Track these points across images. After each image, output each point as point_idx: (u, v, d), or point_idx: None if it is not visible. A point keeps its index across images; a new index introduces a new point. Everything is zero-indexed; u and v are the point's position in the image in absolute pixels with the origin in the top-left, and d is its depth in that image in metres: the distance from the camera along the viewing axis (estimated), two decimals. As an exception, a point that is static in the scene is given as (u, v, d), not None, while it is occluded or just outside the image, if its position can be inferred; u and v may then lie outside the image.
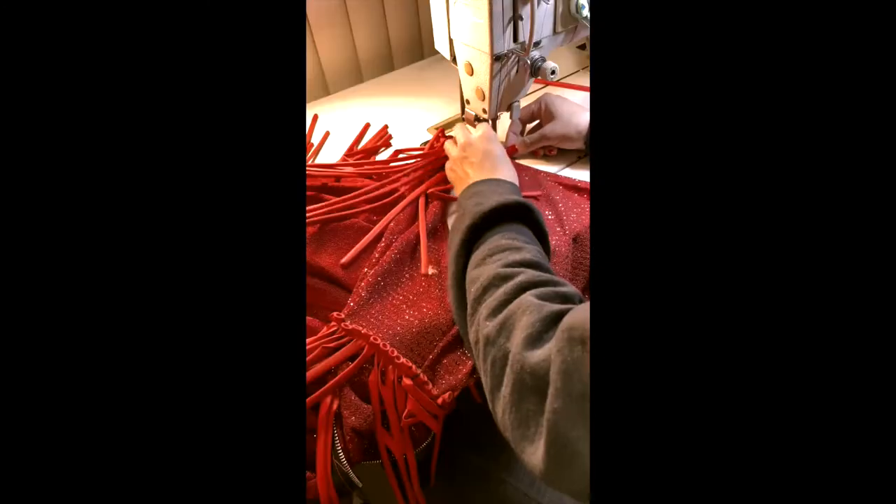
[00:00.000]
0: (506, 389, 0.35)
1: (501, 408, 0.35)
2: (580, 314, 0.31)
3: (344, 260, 0.59)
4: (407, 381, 0.48)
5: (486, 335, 0.39)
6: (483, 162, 0.60)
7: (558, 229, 0.62)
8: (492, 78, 0.63)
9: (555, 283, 0.41)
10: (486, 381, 0.38)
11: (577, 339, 0.30)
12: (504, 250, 0.45)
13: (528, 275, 0.41)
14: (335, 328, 0.53)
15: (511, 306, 0.38)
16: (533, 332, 0.34)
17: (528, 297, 0.38)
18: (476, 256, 0.47)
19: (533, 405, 0.32)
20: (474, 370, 0.51)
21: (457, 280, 0.49)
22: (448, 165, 0.65)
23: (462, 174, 0.61)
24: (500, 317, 0.38)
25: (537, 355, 0.33)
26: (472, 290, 0.44)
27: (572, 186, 0.67)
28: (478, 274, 0.45)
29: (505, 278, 0.41)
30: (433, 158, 0.71)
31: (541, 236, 0.51)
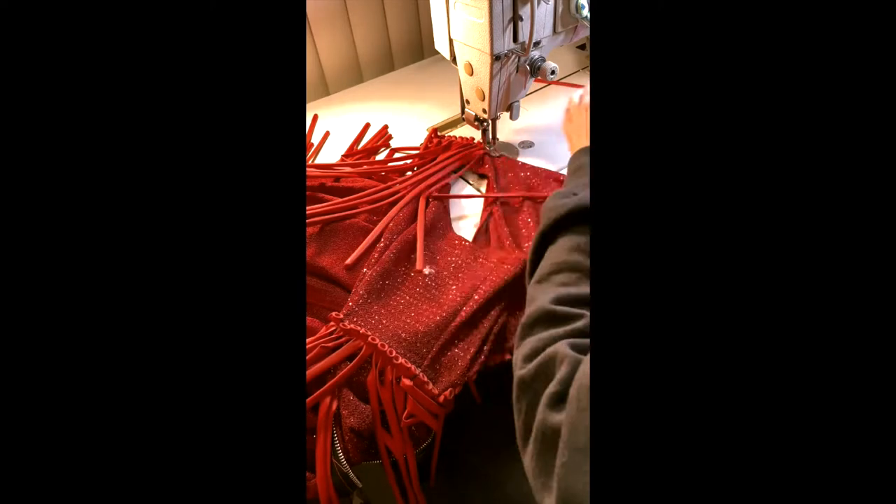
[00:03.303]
0: (533, 438, 0.35)
1: (528, 454, 0.36)
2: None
3: (349, 261, 0.59)
4: (406, 382, 0.48)
5: (521, 377, 0.38)
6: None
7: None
8: (492, 78, 0.63)
9: None
10: (517, 422, 0.38)
11: (585, 398, 0.30)
12: (566, 270, 0.44)
13: (576, 325, 0.39)
14: (334, 328, 0.53)
15: (549, 351, 0.37)
16: (560, 389, 0.34)
17: (566, 348, 0.36)
18: (543, 266, 0.46)
19: (552, 458, 0.33)
20: (472, 364, 0.51)
21: (532, 255, 0.49)
22: (567, 118, 0.63)
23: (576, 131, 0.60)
24: (536, 362, 0.37)
25: (560, 417, 0.33)
26: (526, 312, 0.43)
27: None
28: (534, 295, 0.44)
29: (552, 321, 0.40)
30: (430, 158, 0.71)
31: None
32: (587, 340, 0.37)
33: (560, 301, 0.41)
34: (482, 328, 0.53)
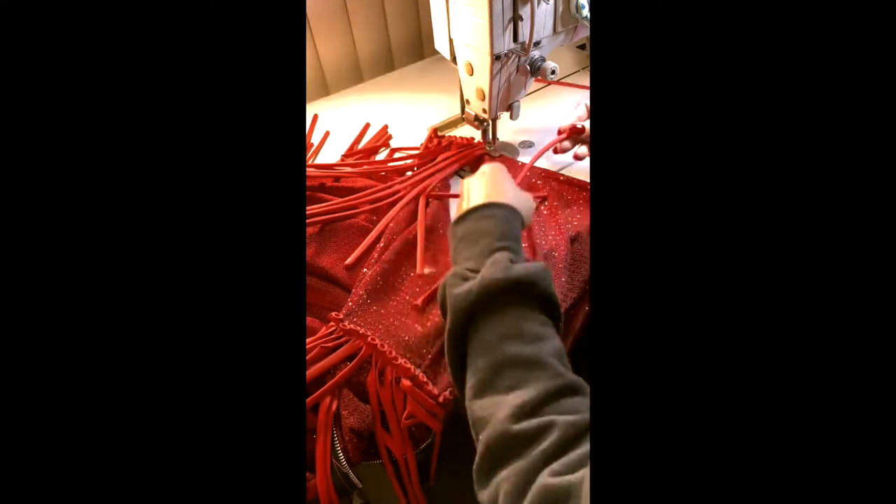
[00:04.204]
0: None
1: None
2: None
3: (349, 261, 0.59)
4: (405, 382, 0.48)
5: None
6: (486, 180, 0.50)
7: (557, 228, 0.62)
8: (492, 78, 0.63)
9: (577, 437, 0.31)
10: None
11: None
12: (507, 369, 0.36)
13: (546, 443, 0.32)
14: (334, 328, 0.53)
15: (529, 498, 0.30)
16: None
17: (549, 481, 0.29)
18: (475, 373, 0.38)
19: None
20: None
21: (454, 364, 0.41)
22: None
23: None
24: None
25: None
26: (480, 440, 0.35)
27: (572, 186, 0.67)
28: (480, 415, 0.36)
29: (518, 447, 0.32)
30: (430, 158, 0.71)
31: (550, 307, 0.41)
32: (573, 454, 0.31)
33: (519, 416, 0.33)
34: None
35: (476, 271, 0.41)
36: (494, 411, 0.34)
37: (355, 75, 1.00)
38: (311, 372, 0.49)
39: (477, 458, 0.35)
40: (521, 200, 0.50)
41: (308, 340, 0.52)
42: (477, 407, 0.36)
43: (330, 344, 0.51)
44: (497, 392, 0.36)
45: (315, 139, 0.80)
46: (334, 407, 0.49)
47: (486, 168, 0.52)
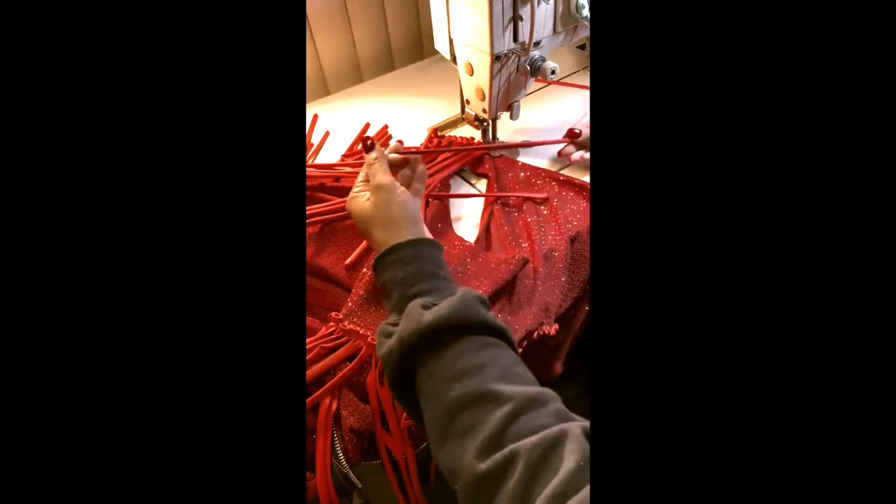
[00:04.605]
0: None
1: None
2: None
3: (349, 261, 0.59)
4: (406, 381, 0.48)
5: None
6: (365, 234, 0.51)
7: (557, 228, 0.62)
8: (492, 78, 0.63)
9: (544, 458, 0.31)
10: None
11: None
12: (461, 410, 0.35)
13: (523, 459, 0.31)
14: (333, 328, 0.53)
15: None
16: None
17: None
18: (431, 423, 0.37)
19: None
20: None
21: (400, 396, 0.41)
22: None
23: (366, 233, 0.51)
24: None
25: None
26: (455, 487, 0.35)
27: (572, 186, 0.67)
28: (449, 465, 0.35)
29: (496, 479, 0.32)
30: (429, 158, 0.71)
31: (481, 327, 0.40)
32: (557, 482, 0.29)
33: (483, 452, 0.33)
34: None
35: (397, 324, 0.42)
36: (459, 458, 0.34)
37: (355, 75, 1.00)
38: (311, 372, 0.49)
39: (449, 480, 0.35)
40: (396, 204, 0.49)
41: (308, 341, 0.52)
42: (443, 459, 0.36)
43: (330, 344, 0.51)
44: (455, 439, 0.35)
45: (315, 139, 0.80)
46: (334, 407, 0.49)
47: (351, 211, 0.52)
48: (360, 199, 0.52)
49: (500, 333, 0.41)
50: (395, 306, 0.44)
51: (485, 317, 0.41)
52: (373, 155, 0.54)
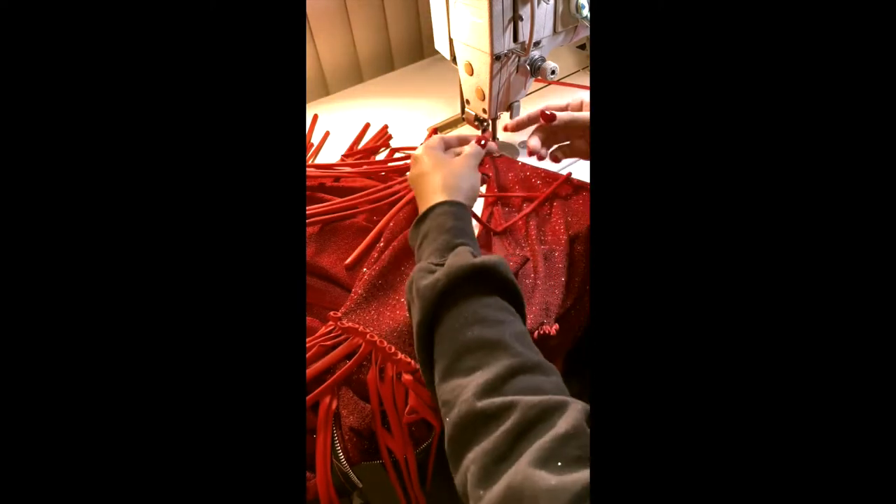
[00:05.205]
0: None
1: None
2: None
3: (348, 261, 0.59)
4: (407, 377, 0.48)
5: None
6: (417, 190, 0.54)
7: (557, 228, 0.62)
8: (492, 78, 0.63)
9: (540, 419, 0.32)
10: None
11: None
12: (470, 352, 0.37)
13: (519, 411, 0.32)
14: (332, 327, 0.53)
15: (513, 485, 0.29)
16: None
17: (532, 473, 0.28)
18: (441, 358, 0.39)
19: None
20: None
21: (422, 354, 0.42)
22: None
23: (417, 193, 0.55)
24: (498, 497, 0.29)
25: None
26: (448, 421, 0.36)
27: (572, 186, 0.67)
28: (447, 398, 0.37)
29: (489, 419, 0.33)
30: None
31: (512, 294, 0.43)
32: (554, 438, 0.30)
33: (481, 394, 0.34)
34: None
35: (441, 265, 0.44)
36: (459, 393, 0.36)
37: (355, 75, 1.00)
38: (311, 371, 0.49)
39: (446, 442, 0.35)
40: (469, 178, 0.54)
41: (307, 340, 0.52)
42: (443, 391, 0.38)
43: (329, 342, 0.51)
44: (461, 374, 0.37)
45: (315, 139, 0.80)
46: (334, 406, 0.49)
47: (422, 158, 0.56)
48: (416, 165, 0.56)
49: (520, 306, 0.44)
50: (440, 248, 0.46)
51: (515, 281, 0.43)
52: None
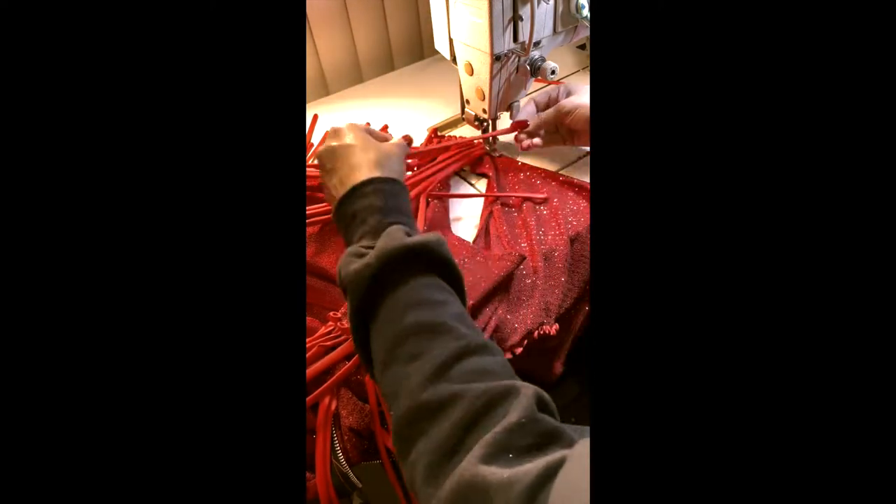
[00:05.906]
0: None
1: None
2: (571, 481, 0.25)
3: None
4: (406, 380, 0.48)
5: None
6: (339, 163, 0.49)
7: (557, 228, 0.62)
8: (492, 78, 0.63)
9: (487, 409, 0.30)
10: None
11: None
12: (410, 336, 0.35)
13: (456, 413, 0.30)
14: (332, 327, 0.53)
15: (463, 482, 0.27)
16: None
17: (482, 468, 0.27)
18: (379, 346, 0.37)
19: None
20: None
21: (359, 346, 0.40)
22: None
23: (327, 189, 0.51)
24: (448, 495, 0.28)
25: None
26: (391, 412, 0.34)
27: (572, 186, 0.67)
28: (390, 389, 0.35)
29: (436, 412, 0.31)
30: (429, 158, 0.71)
31: (450, 273, 0.41)
32: (505, 426, 0.29)
33: (428, 382, 0.33)
34: (479, 323, 0.53)
35: (371, 247, 0.41)
36: (402, 384, 0.34)
37: (355, 75, 1.00)
38: (310, 371, 0.49)
39: (392, 436, 0.34)
40: (400, 164, 0.50)
41: (307, 340, 0.52)
42: (385, 382, 0.36)
43: (328, 343, 0.51)
44: (401, 363, 0.35)
45: (315, 139, 0.80)
46: (333, 406, 0.49)
47: (342, 133, 0.51)
48: (340, 137, 0.51)
49: (459, 285, 0.41)
50: (372, 230, 0.43)
51: (453, 260, 0.41)
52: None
